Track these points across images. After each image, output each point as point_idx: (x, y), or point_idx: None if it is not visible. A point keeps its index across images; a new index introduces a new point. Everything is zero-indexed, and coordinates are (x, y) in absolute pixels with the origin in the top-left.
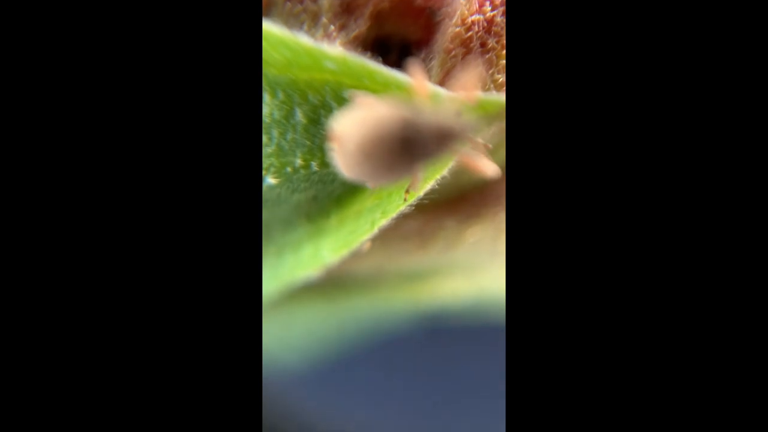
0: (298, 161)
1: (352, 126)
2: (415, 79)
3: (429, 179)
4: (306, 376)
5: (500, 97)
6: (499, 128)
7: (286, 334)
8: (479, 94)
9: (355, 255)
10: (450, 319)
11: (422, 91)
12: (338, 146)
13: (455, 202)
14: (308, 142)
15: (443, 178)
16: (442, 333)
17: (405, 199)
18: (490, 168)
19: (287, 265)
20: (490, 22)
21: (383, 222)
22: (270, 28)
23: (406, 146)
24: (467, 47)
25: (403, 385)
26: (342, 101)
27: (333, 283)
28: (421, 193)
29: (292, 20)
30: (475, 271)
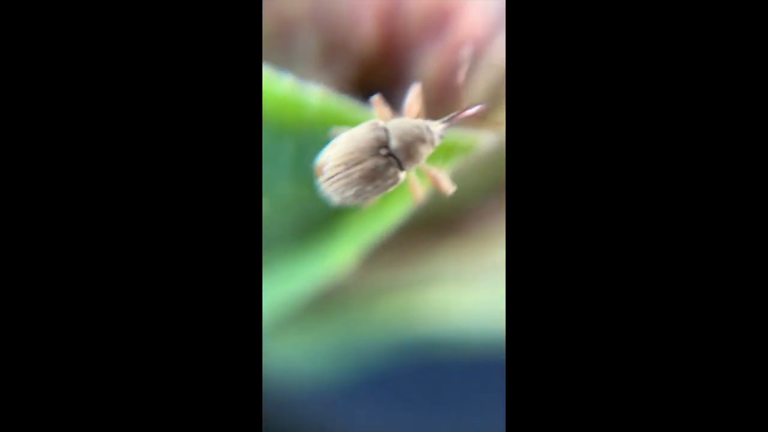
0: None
1: (333, 154)
2: (378, 109)
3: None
4: (303, 398)
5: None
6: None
7: (282, 356)
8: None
9: (344, 273)
10: (446, 345)
11: (385, 119)
12: (323, 177)
13: (450, 219)
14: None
15: (436, 196)
16: (437, 363)
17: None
18: (448, 186)
19: (281, 284)
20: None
21: (371, 239)
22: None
23: (380, 159)
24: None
25: (400, 417)
26: (326, 137)
27: (326, 301)
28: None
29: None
30: (468, 286)
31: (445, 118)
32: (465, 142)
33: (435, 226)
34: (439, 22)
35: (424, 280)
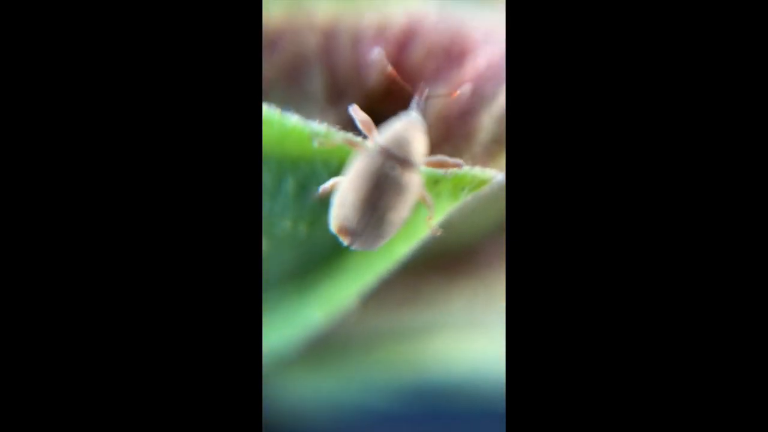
0: (288, 224)
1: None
2: (358, 115)
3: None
4: None
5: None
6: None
7: (282, 398)
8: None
9: (346, 316)
10: (449, 392)
11: (367, 130)
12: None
13: (450, 259)
14: (297, 207)
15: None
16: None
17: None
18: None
19: (279, 323)
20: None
21: (371, 280)
22: (265, 109)
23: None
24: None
25: None
26: (331, 170)
27: (325, 347)
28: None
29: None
30: (469, 330)
31: (423, 97)
32: (479, 178)
33: (443, 266)
34: (446, 62)
35: (430, 324)
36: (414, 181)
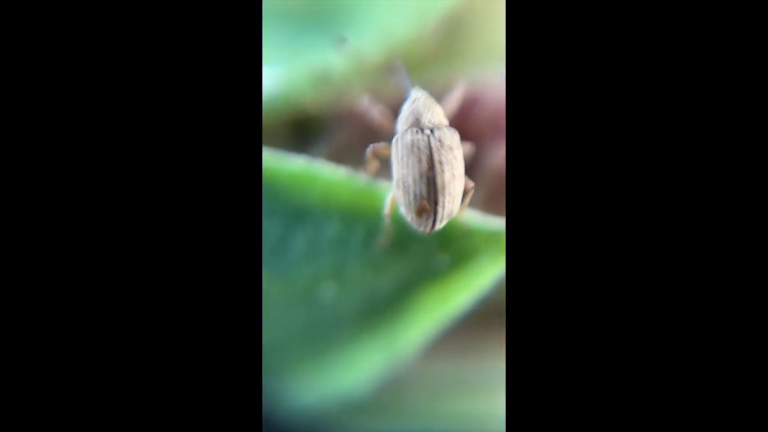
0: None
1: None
2: (375, 113)
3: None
4: None
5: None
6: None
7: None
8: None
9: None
10: None
11: (388, 121)
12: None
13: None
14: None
15: None
16: None
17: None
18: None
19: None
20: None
21: (430, 327)
22: (340, 171)
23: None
24: None
25: None
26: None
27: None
28: None
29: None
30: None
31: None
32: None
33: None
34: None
35: (491, 377)
36: (452, 137)
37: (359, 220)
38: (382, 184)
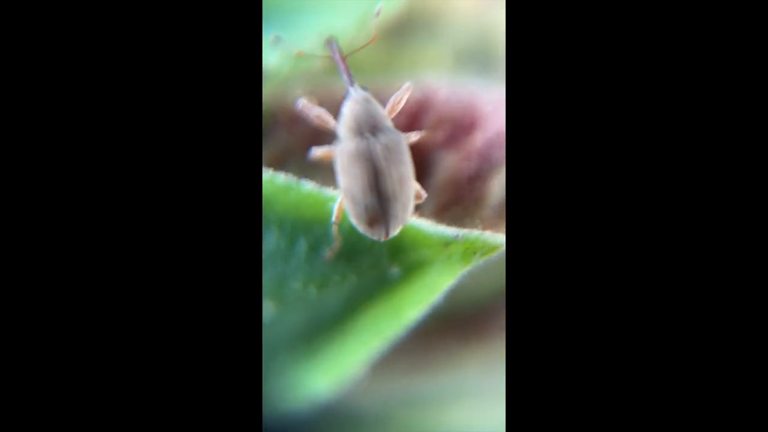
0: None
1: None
2: (313, 114)
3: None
4: None
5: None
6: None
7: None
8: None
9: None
10: None
11: (324, 122)
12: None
13: (461, 323)
14: (308, 269)
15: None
16: None
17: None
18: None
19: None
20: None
21: (378, 344)
22: (279, 177)
23: None
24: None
25: None
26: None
27: (333, 416)
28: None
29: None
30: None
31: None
32: (491, 244)
33: (454, 329)
34: (458, 132)
35: (443, 394)
36: (398, 140)
37: (300, 231)
38: (328, 191)
